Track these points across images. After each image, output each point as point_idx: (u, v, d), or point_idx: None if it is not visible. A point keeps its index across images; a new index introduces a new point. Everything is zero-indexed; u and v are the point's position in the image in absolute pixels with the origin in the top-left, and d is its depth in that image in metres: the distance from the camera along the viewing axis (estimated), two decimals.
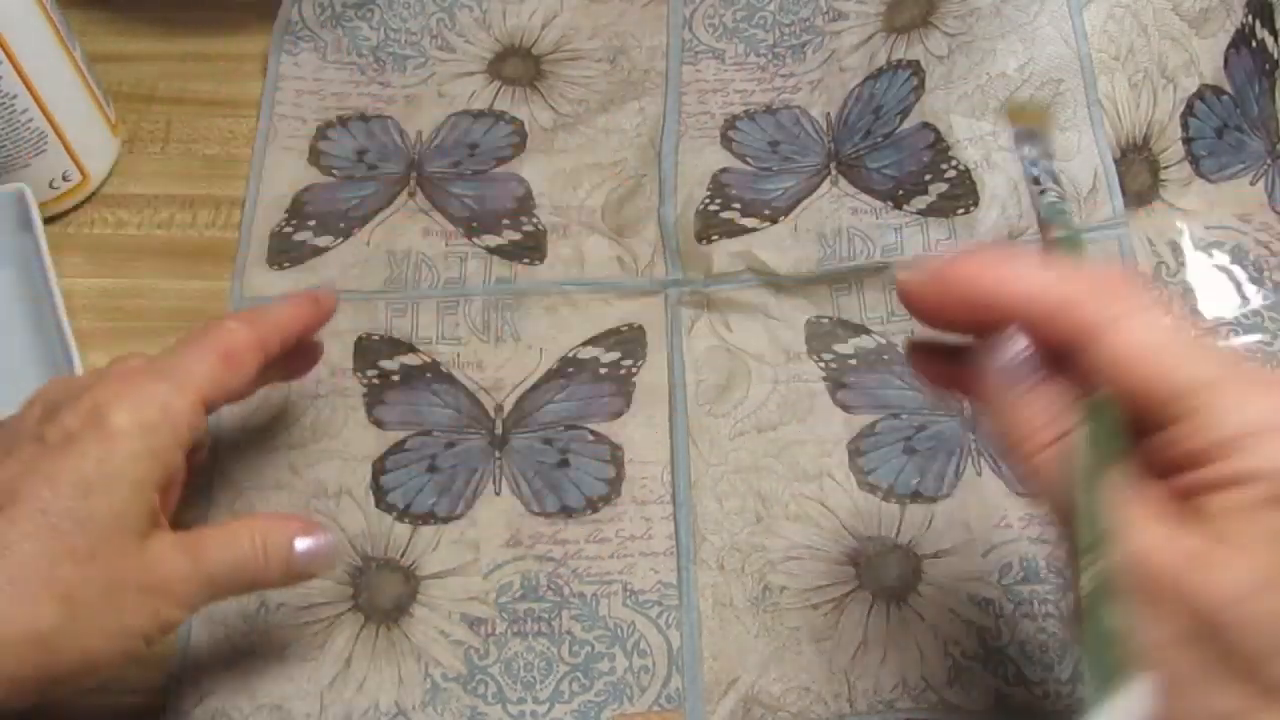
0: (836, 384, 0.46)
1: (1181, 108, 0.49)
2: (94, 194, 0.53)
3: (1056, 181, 0.34)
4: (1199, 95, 0.49)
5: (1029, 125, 0.37)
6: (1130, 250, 0.46)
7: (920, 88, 0.50)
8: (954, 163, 0.48)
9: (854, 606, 0.42)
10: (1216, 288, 0.48)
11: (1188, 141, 0.50)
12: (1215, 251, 0.48)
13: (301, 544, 0.36)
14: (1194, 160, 0.50)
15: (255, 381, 0.38)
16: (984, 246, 0.32)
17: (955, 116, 0.49)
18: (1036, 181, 0.34)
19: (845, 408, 0.46)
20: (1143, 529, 0.25)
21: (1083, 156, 0.47)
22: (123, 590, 0.32)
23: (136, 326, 0.49)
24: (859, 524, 0.43)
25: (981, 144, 0.48)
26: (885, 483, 0.44)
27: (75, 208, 0.52)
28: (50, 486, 0.31)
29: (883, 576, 0.42)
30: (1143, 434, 0.27)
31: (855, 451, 0.45)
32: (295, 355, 0.41)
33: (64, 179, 0.51)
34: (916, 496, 0.44)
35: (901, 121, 0.50)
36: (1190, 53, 0.49)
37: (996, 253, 0.29)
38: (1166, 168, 0.49)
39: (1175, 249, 0.48)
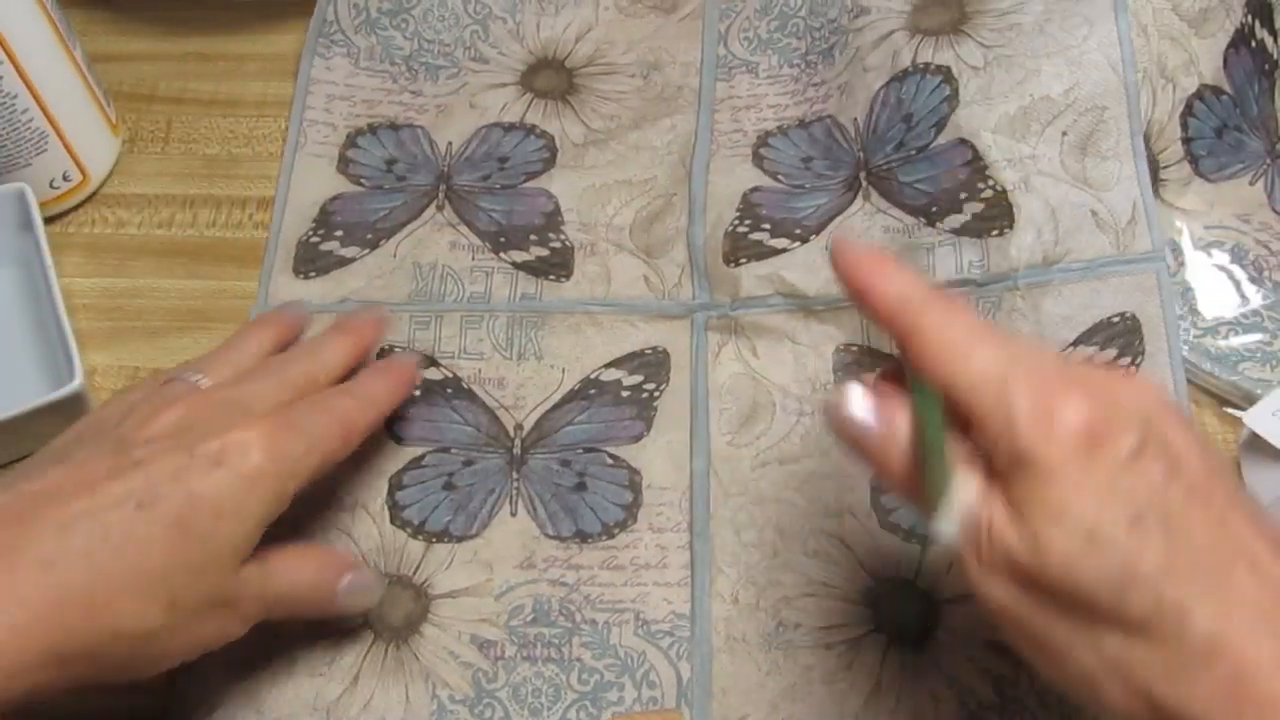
0: None
1: (1181, 108, 0.48)
2: (94, 194, 0.53)
3: None
4: (1198, 95, 0.49)
5: None
6: (1168, 283, 0.45)
7: (953, 97, 0.49)
8: (991, 183, 0.47)
9: (869, 648, 0.41)
10: (1216, 287, 0.47)
11: (1187, 141, 0.49)
12: (1215, 251, 0.48)
13: (345, 580, 0.39)
14: (1193, 160, 0.49)
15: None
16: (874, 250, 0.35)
17: (995, 136, 0.47)
18: None
19: None
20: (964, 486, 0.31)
21: (1123, 186, 0.46)
22: (210, 605, 0.35)
23: (136, 326, 0.49)
24: (878, 564, 0.42)
25: (1020, 166, 0.47)
26: (907, 522, 0.43)
27: (75, 207, 0.52)
28: (190, 503, 0.34)
29: (900, 619, 0.41)
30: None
31: (879, 489, 0.44)
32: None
33: (64, 179, 0.51)
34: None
35: (936, 135, 0.48)
36: (1189, 52, 0.48)
37: (874, 257, 0.34)
38: (1166, 168, 0.48)
39: (1175, 249, 0.47)
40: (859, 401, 0.33)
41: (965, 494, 0.31)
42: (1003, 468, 0.30)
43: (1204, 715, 0.28)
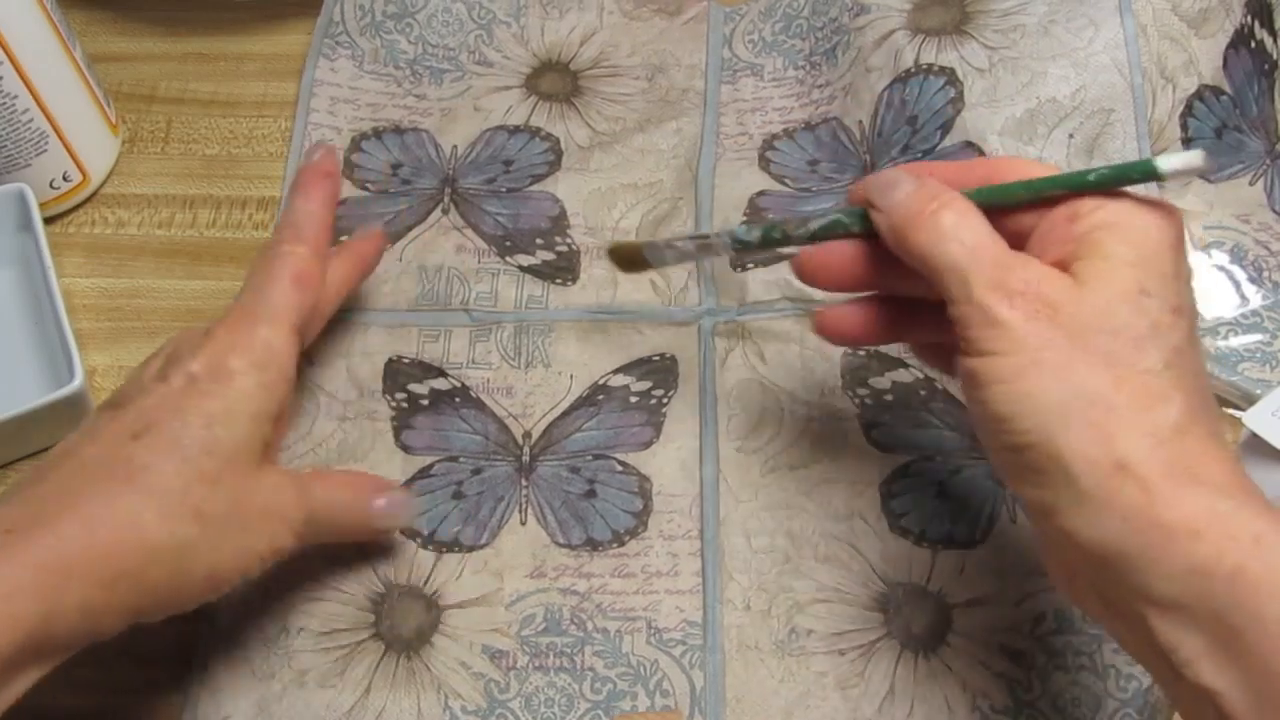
0: (870, 422, 0.45)
1: (1180, 108, 0.49)
2: (94, 194, 0.53)
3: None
4: (1198, 95, 0.49)
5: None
6: None
7: (959, 99, 0.49)
8: None
9: (882, 654, 0.41)
10: (1216, 288, 0.47)
11: (1187, 142, 0.49)
12: (1214, 251, 0.48)
13: (378, 501, 0.40)
14: None
15: (334, 292, 0.43)
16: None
17: (1002, 138, 0.47)
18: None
19: (879, 447, 0.44)
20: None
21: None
22: (245, 512, 0.36)
23: (136, 326, 0.49)
24: (889, 568, 0.42)
25: None
26: (918, 527, 0.43)
27: (75, 208, 0.52)
28: (181, 419, 0.35)
29: (912, 624, 0.41)
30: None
31: (888, 494, 0.43)
32: (360, 245, 0.46)
33: (64, 179, 0.51)
34: (949, 542, 0.42)
35: (942, 137, 0.48)
36: (1189, 53, 0.49)
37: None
38: None
39: None
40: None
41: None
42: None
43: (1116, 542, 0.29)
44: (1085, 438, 0.29)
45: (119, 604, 0.33)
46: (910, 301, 0.36)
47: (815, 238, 0.36)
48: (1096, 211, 0.32)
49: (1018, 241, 0.33)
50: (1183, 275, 0.32)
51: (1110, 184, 0.32)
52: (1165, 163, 0.31)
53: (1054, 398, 0.30)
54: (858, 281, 0.37)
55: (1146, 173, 0.31)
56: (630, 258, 0.42)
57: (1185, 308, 0.31)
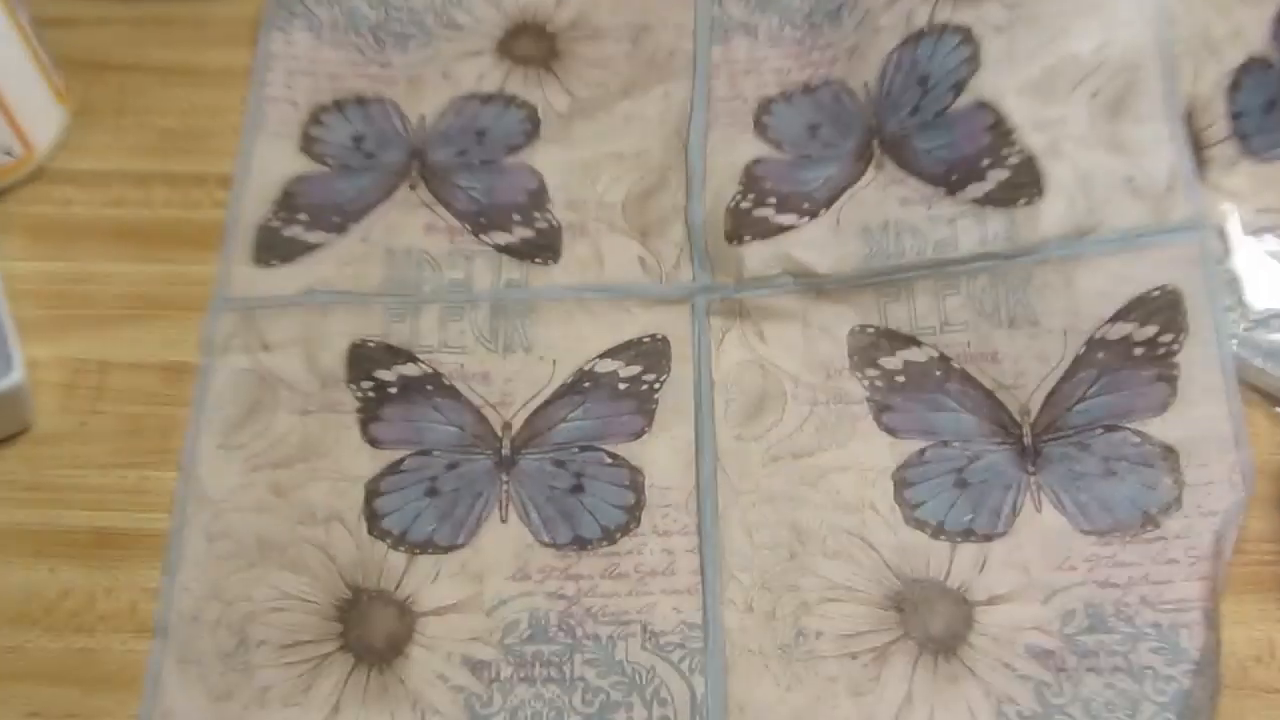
0: (881, 405, 0.45)
1: (1226, 81, 0.48)
2: (39, 170, 0.52)
3: None
4: (1245, 68, 0.48)
5: None
6: (1211, 255, 0.45)
7: (974, 59, 0.48)
8: (1016, 148, 0.47)
9: (898, 657, 0.40)
10: (1267, 276, 0.46)
11: (1234, 117, 0.48)
12: (1267, 236, 0.47)
13: None
14: (1240, 138, 0.48)
15: None
16: None
17: (1020, 98, 0.47)
18: None
19: (891, 432, 0.44)
20: None
21: (1159, 151, 0.46)
22: None
23: (84, 315, 0.49)
24: (904, 564, 0.42)
25: (1048, 130, 0.47)
26: (935, 518, 0.43)
27: (18, 185, 0.52)
28: None
29: (930, 624, 0.41)
30: None
31: (902, 482, 0.43)
32: None
33: (5, 153, 0.50)
34: (969, 535, 0.42)
35: (955, 98, 0.48)
36: (1235, 22, 0.48)
37: None
38: (1210, 146, 0.48)
39: (1222, 234, 0.47)
40: None
41: None
42: None
43: None
44: None
45: None
46: None
47: None
48: None
49: None
50: None
51: None
52: None
53: None
54: None
55: None
56: None
57: None
